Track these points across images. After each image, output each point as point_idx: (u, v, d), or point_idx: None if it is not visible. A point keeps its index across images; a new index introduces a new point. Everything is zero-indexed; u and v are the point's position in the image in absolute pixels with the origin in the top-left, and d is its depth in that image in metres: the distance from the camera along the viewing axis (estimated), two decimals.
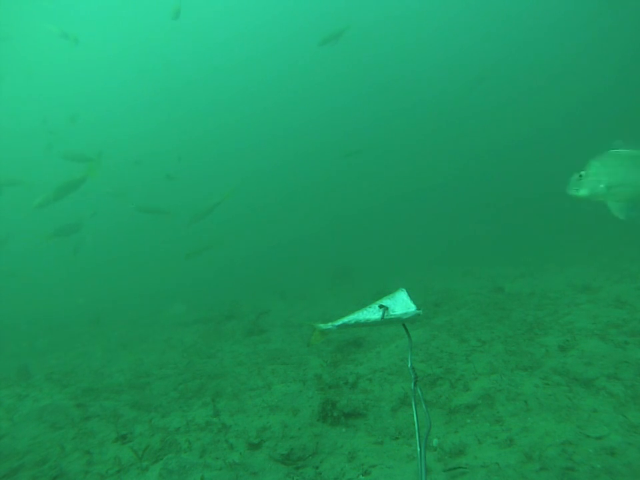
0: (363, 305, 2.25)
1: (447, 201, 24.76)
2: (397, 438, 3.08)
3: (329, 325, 2.34)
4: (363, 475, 2.68)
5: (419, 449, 1.81)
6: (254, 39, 34.30)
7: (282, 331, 7.20)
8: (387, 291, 2.29)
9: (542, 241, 14.74)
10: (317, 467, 2.86)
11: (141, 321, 10.45)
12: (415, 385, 1.97)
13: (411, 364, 2.02)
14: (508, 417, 3.00)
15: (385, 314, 2.04)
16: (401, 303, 2.09)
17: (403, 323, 2.08)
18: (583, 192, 3.26)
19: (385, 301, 2.14)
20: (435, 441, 2.88)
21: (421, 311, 2.02)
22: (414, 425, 1.88)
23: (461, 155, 26.50)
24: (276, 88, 32.89)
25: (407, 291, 2.16)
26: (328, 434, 3.23)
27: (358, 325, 2.18)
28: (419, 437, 1.85)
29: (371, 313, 2.12)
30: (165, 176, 14.58)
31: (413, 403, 1.92)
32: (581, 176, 3.22)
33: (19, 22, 28.98)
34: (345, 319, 2.23)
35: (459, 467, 2.52)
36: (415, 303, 2.06)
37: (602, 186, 3.11)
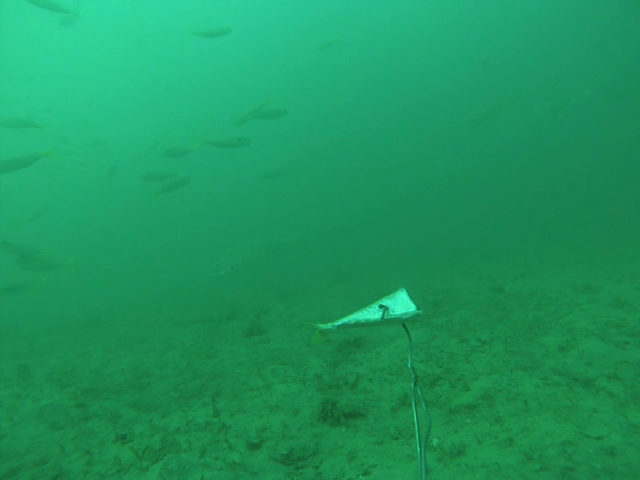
0: (362, 305, 2.24)
1: (447, 202, 24.77)
2: (396, 438, 3.08)
3: (329, 325, 2.33)
4: (362, 475, 2.69)
5: (419, 449, 1.81)
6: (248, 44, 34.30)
7: (282, 331, 7.19)
8: (387, 291, 2.29)
9: (542, 240, 14.75)
10: (317, 467, 2.86)
11: (140, 321, 10.44)
12: (415, 384, 1.97)
13: (411, 364, 2.02)
14: (508, 416, 3.00)
15: (385, 314, 2.04)
16: (401, 303, 2.08)
17: (403, 323, 2.08)
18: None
19: (385, 301, 2.13)
20: (435, 441, 2.88)
21: (421, 311, 2.01)
22: (414, 424, 1.88)
23: (461, 156, 26.50)
24: (278, 88, 32.86)
25: (407, 291, 2.16)
26: (328, 434, 3.23)
27: (358, 325, 2.18)
28: (419, 437, 1.85)
29: (371, 313, 2.11)
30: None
31: (413, 403, 1.92)
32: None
33: (17, 21, 28.98)
34: (345, 319, 2.22)
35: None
36: (415, 303, 2.06)
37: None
